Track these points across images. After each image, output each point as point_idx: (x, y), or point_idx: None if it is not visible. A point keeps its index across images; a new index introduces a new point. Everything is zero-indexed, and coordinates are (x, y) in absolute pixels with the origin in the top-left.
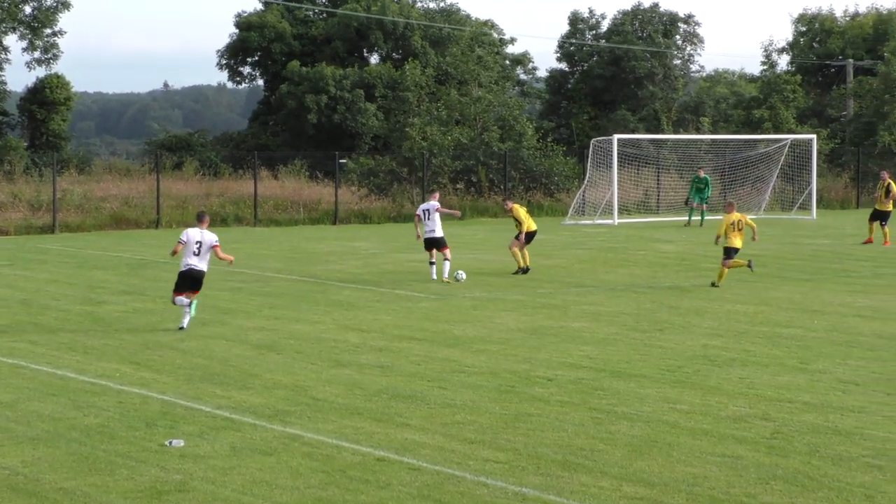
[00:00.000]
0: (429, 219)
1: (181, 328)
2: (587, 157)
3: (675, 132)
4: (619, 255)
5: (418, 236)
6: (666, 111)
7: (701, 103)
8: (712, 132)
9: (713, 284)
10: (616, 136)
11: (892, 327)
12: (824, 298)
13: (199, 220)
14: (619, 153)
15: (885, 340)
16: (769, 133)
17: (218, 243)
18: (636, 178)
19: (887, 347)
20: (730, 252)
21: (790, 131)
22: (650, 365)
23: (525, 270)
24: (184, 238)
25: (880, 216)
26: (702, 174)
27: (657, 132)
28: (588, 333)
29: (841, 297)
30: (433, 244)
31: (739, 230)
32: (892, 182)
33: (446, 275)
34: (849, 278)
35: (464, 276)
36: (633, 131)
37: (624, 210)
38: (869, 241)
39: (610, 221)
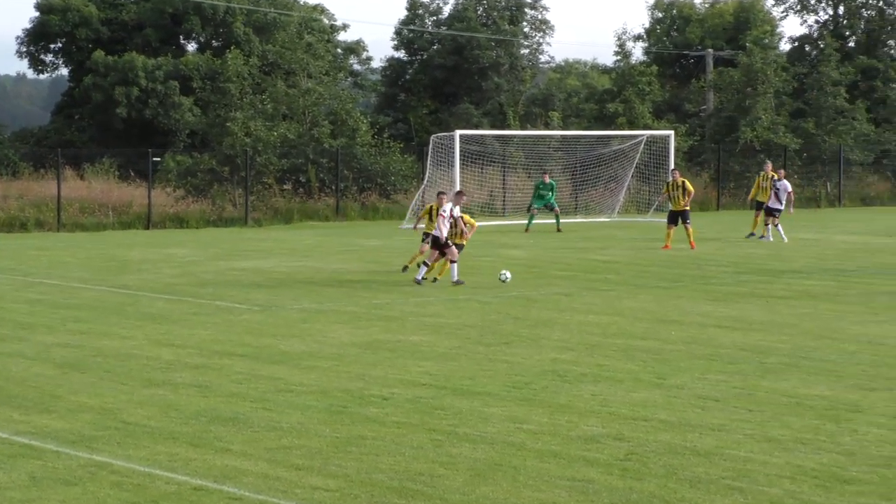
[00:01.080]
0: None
1: None
2: (426, 154)
3: (523, 128)
4: (462, 261)
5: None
6: (512, 105)
7: (550, 96)
8: (562, 128)
9: (405, 269)
10: (458, 132)
11: (754, 339)
12: (682, 307)
13: None
14: (461, 150)
15: (747, 353)
16: (624, 129)
17: None
18: (480, 178)
19: (749, 360)
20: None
21: (646, 127)
22: (495, 381)
23: (405, 269)
24: None
25: (679, 216)
26: (547, 179)
27: (503, 128)
28: (427, 348)
29: (700, 306)
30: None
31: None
32: (685, 180)
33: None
34: (708, 286)
35: (509, 276)
36: (476, 126)
37: (467, 212)
38: (667, 248)
39: None
